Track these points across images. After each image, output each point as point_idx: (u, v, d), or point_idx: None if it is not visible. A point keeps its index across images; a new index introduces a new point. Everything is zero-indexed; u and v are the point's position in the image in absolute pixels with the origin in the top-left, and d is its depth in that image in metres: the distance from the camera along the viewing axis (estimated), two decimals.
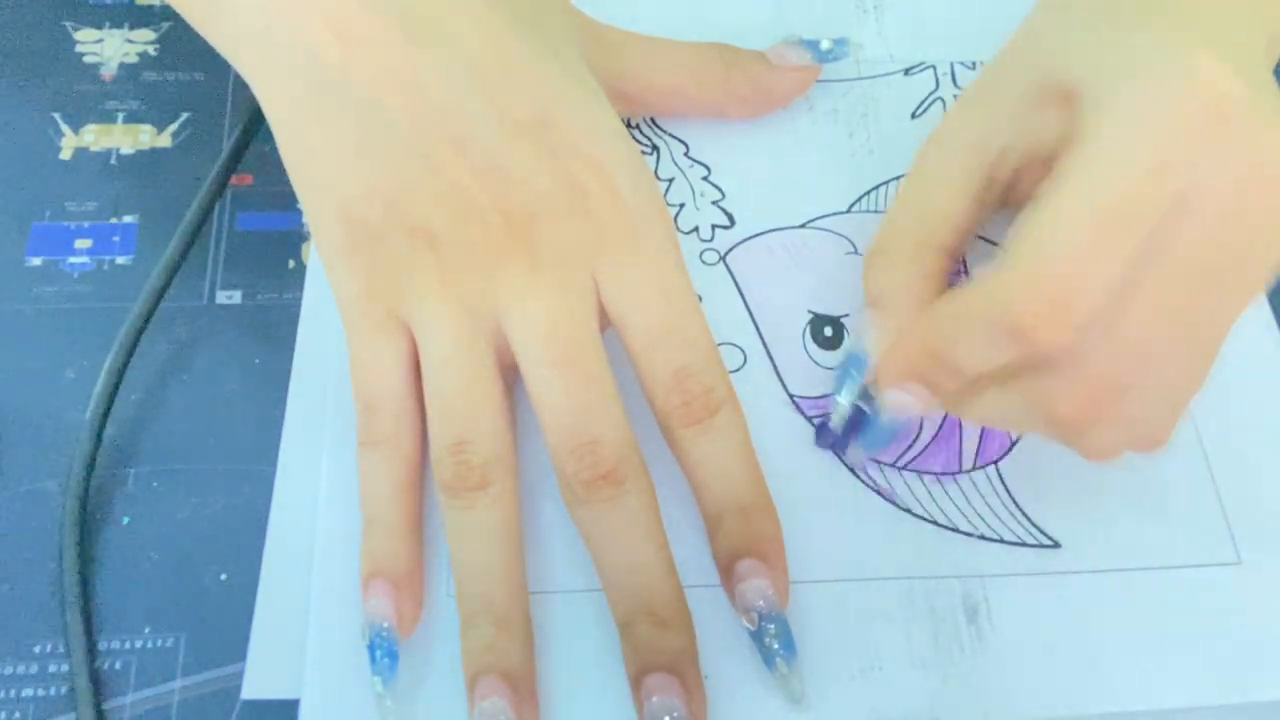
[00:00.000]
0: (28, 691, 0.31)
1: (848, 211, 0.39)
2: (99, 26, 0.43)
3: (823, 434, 0.34)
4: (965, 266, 0.37)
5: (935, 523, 0.34)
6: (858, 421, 0.33)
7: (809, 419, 0.35)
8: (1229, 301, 0.29)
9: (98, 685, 0.31)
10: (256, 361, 0.36)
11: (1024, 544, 0.33)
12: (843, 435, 0.33)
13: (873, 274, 0.35)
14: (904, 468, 0.34)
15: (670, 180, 0.39)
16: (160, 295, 0.36)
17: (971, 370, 0.30)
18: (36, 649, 0.32)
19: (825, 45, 0.39)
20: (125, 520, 0.34)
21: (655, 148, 0.40)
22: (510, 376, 0.32)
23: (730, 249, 0.38)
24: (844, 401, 0.33)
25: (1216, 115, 0.27)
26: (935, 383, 0.30)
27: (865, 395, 0.32)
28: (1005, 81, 0.34)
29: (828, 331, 0.36)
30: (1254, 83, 0.27)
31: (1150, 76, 0.28)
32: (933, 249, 0.34)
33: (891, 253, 0.34)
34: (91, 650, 0.32)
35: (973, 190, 0.34)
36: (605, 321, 0.32)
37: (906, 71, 0.42)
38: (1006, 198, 0.34)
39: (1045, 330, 0.27)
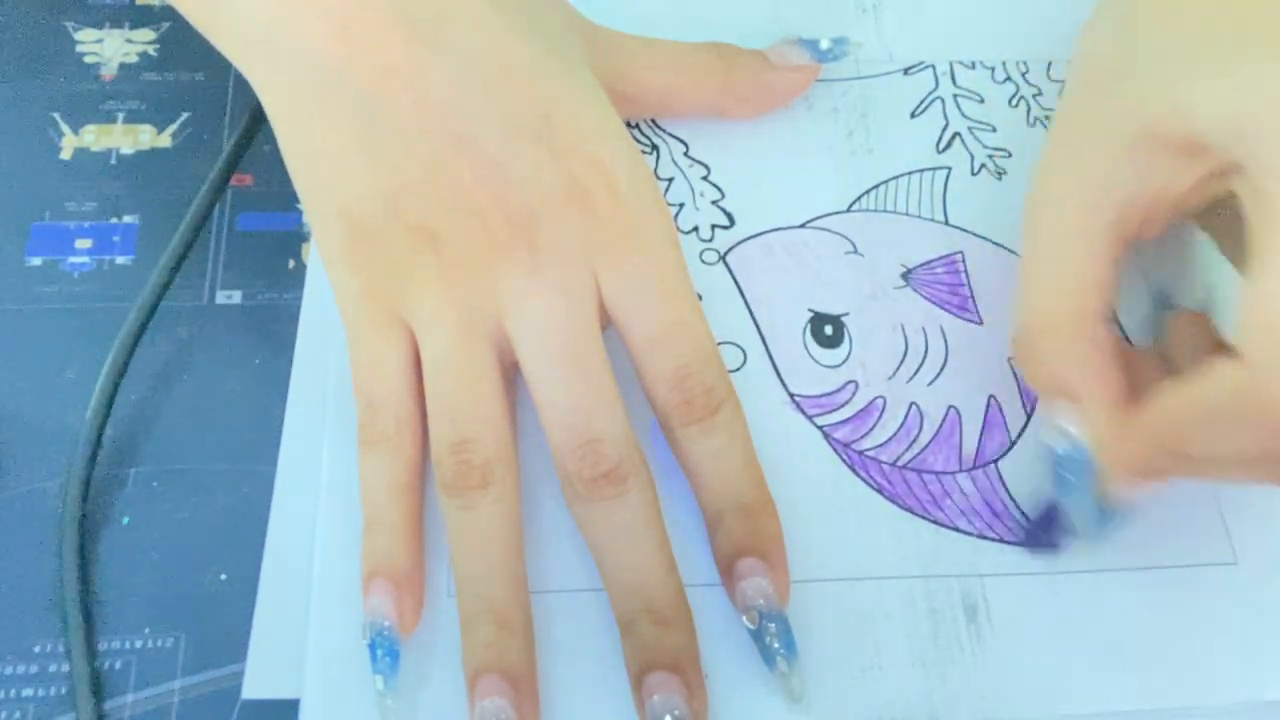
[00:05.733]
0: (28, 691, 0.31)
1: (847, 211, 0.39)
2: (99, 26, 0.42)
3: (1034, 540, 0.33)
4: None
5: (935, 522, 0.34)
6: (1059, 516, 0.32)
7: (810, 418, 0.35)
8: None
9: (98, 685, 0.31)
10: (256, 361, 0.36)
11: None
12: (1050, 532, 0.33)
13: (1042, 362, 0.32)
14: (904, 467, 0.34)
15: (670, 180, 0.39)
16: (160, 295, 0.36)
17: (1217, 460, 0.29)
18: (36, 649, 0.32)
19: (825, 44, 0.39)
20: (125, 520, 0.34)
21: (655, 147, 0.40)
22: (511, 375, 0.32)
23: (730, 248, 0.38)
24: (1089, 502, 0.31)
25: None
26: (1170, 473, 0.30)
27: (1072, 491, 0.31)
28: (1104, 130, 0.32)
29: (828, 330, 0.36)
30: None
31: None
32: (1093, 320, 0.31)
33: (1055, 336, 0.32)
34: (91, 650, 0.32)
35: (1107, 251, 0.32)
36: (606, 320, 0.32)
37: (906, 71, 0.42)
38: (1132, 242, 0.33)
39: None
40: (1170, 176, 0.31)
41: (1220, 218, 0.31)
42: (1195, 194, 0.32)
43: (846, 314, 0.37)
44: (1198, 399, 0.29)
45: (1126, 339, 0.37)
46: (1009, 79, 0.42)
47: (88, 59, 0.42)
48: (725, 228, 0.38)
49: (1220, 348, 0.28)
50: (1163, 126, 0.31)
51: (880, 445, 0.35)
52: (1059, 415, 0.31)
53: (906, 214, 0.39)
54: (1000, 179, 0.40)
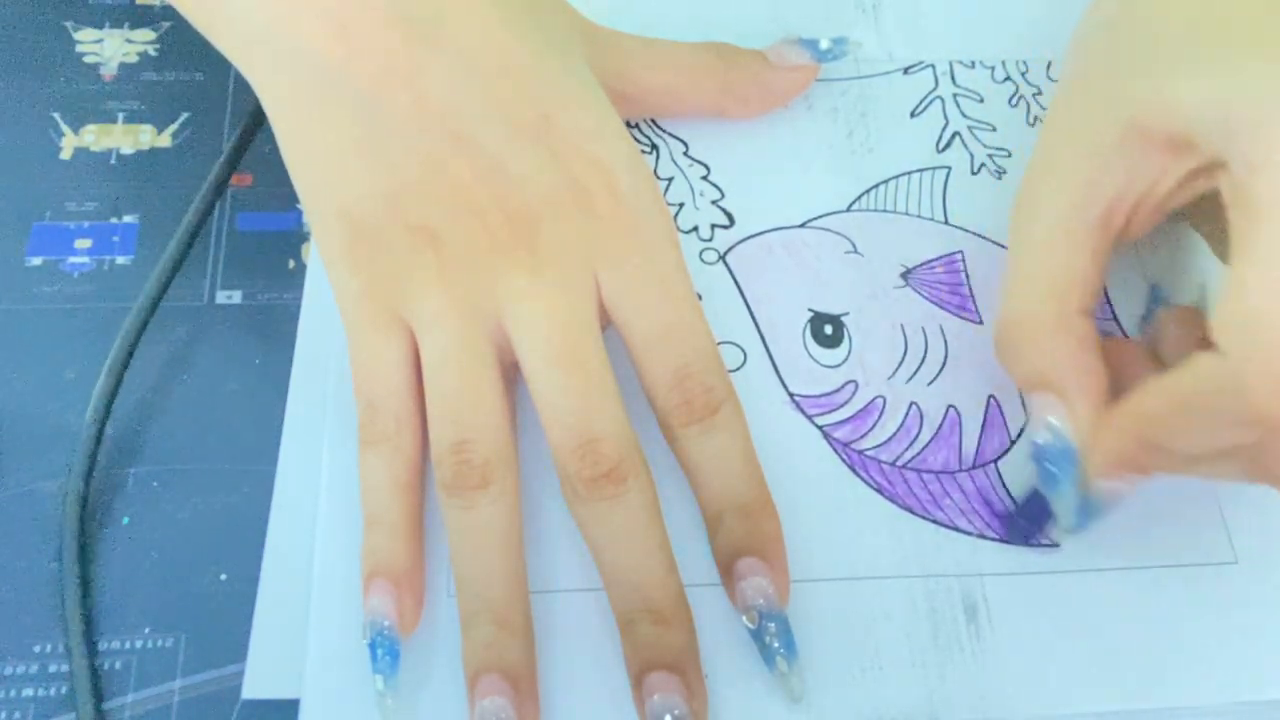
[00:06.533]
0: (28, 691, 0.31)
1: (847, 210, 0.39)
2: (99, 26, 0.43)
3: (1014, 527, 0.33)
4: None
5: (935, 522, 0.34)
6: (1044, 507, 0.32)
7: (810, 418, 0.35)
8: None
9: (98, 685, 0.31)
10: (256, 361, 0.36)
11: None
12: (1034, 522, 0.33)
13: (1024, 357, 0.32)
14: (904, 467, 0.34)
15: (670, 179, 0.39)
16: (160, 295, 0.36)
17: (1196, 453, 0.29)
18: (36, 649, 0.32)
19: (824, 44, 0.39)
20: (125, 520, 0.34)
21: (655, 147, 0.40)
22: (511, 375, 0.32)
23: (730, 248, 0.38)
24: (1070, 493, 0.31)
25: None
26: (1151, 467, 0.30)
27: (1055, 483, 0.31)
28: (1092, 127, 0.32)
29: (828, 330, 0.36)
30: None
31: None
32: (1077, 315, 0.32)
33: (1037, 331, 0.32)
34: (91, 650, 0.32)
35: (1092, 246, 0.32)
36: (606, 320, 0.32)
37: (905, 70, 0.42)
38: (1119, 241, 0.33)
39: None
40: (1157, 173, 0.31)
41: (1212, 217, 0.31)
42: (1182, 192, 0.32)
43: (846, 314, 0.37)
44: (1176, 391, 0.29)
45: (1123, 333, 0.37)
46: (1009, 79, 0.42)
47: (88, 59, 0.42)
48: (725, 227, 0.38)
49: (1207, 343, 0.28)
50: (1150, 122, 0.31)
51: (880, 445, 0.35)
52: (1042, 409, 0.31)
53: (906, 214, 0.39)
54: (1000, 179, 0.40)
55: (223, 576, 0.33)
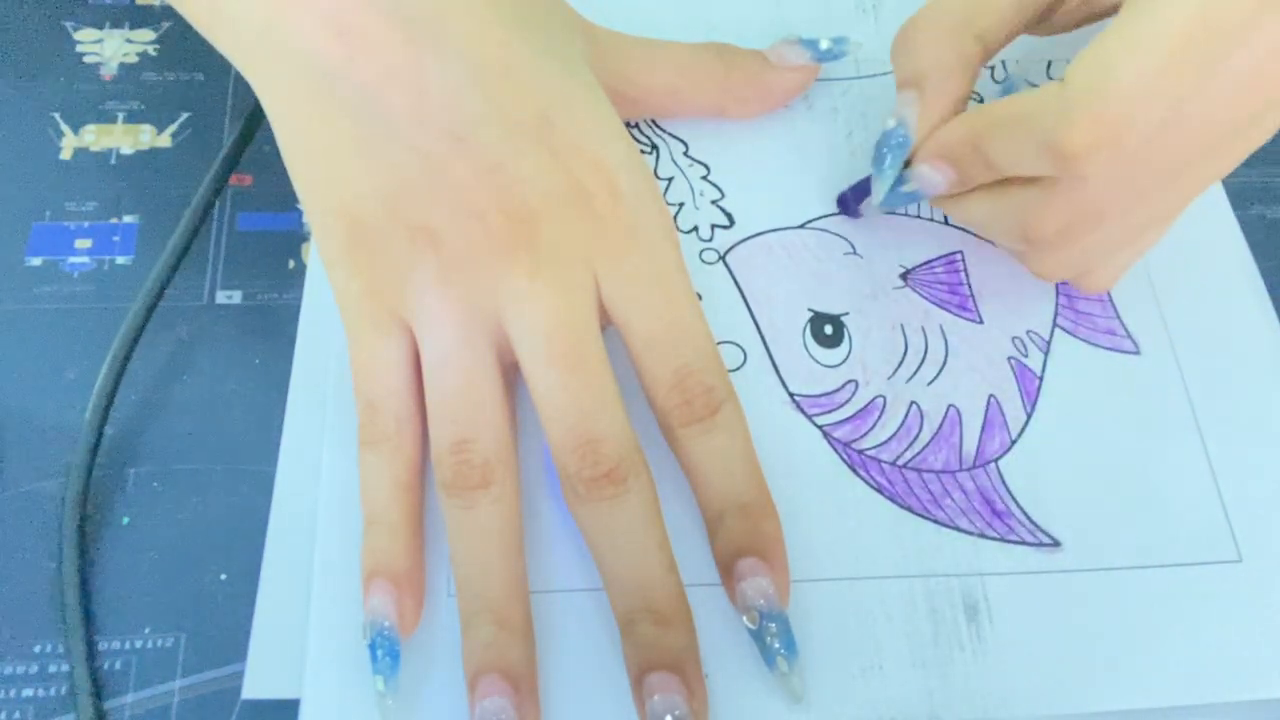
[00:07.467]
0: (28, 691, 0.31)
1: None
2: (99, 26, 0.43)
3: (842, 202, 0.38)
4: None
5: (935, 521, 0.34)
6: (865, 189, 0.37)
7: (810, 418, 0.35)
8: (1224, 162, 0.31)
9: (98, 685, 0.31)
10: (256, 361, 0.36)
11: (1024, 543, 0.33)
12: (855, 200, 0.38)
13: (909, 54, 0.35)
14: (904, 466, 0.34)
15: (670, 179, 0.39)
16: (160, 295, 0.36)
17: (1003, 170, 0.32)
18: (36, 649, 0.32)
19: (824, 44, 0.39)
20: (125, 520, 0.34)
21: (655, 147, 0.40)
22: (511, 375, 0.32)
23: (730, 248, 0.38)
24: (889, 174, 0.35)
25: None
26: (965, 171, 0.33)
27: (882, 164, 0.35)
28: None
29: (828, 330, 0.36)
30: None
31: None
32: (970, 35, 0.34)
33: (929, 34, 0.34)
34: (91, 650, 0.32)
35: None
36: (605, 320, 0.32)
37: None
38: (1045, 16, 0.35)
39: (1091, 159, 0.29)
40: None
41: None
42: None
43: (846, 314, 0.37)
44: (1018, 104, 0.31)
45: (1132, 342, 0.37)
46: (1008, 78, 0.41)
47: (88, 59, 0.42)
48: (725, 227, 0.38)
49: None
50: None
51: (880, 445, 0.35)
52: (902, 103, 0.34)
53: (906, 214, 0.39)
54: None
55: (223, 576, 0.33)
